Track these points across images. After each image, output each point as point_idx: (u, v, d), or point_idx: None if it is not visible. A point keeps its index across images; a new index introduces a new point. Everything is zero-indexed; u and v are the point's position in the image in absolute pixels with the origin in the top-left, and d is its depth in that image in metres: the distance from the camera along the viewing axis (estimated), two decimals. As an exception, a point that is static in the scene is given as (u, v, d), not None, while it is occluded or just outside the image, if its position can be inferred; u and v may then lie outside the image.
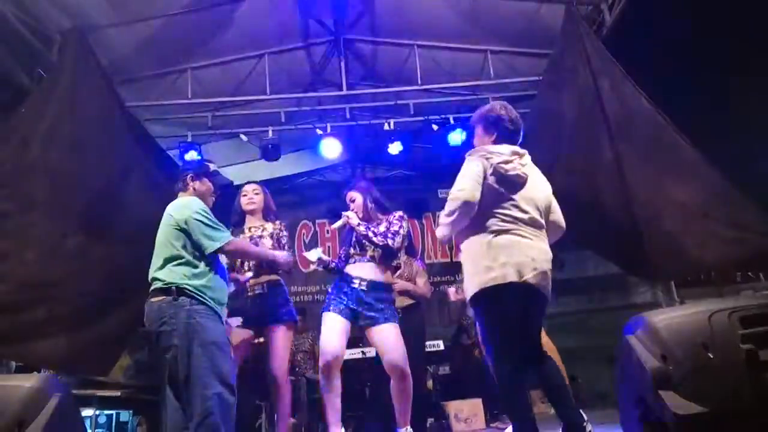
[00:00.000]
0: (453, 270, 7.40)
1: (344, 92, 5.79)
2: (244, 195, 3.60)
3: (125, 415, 5.11)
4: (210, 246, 2.73)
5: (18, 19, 4.22)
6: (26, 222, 3.75)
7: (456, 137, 5.75)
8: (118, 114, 4.60)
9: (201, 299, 2.65)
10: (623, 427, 2.16)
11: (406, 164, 7.32)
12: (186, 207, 2.81)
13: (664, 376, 1.69)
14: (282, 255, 3.25)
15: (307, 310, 6.60)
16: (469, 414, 5.05)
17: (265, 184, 3.68)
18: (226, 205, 3.62)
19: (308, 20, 5.46)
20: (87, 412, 4.81)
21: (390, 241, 3.22)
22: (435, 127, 5.85)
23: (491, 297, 2.47)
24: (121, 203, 4.25)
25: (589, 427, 2.73)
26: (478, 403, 5.12)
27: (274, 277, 3.45)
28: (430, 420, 5.09)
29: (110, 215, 4.17)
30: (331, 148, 5.81)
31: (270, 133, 5.67)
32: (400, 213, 3.38)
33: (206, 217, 2.78)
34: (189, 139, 5.62)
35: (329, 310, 3.25)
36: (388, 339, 3.18)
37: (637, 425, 1.89)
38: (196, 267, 2.73)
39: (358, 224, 3.29)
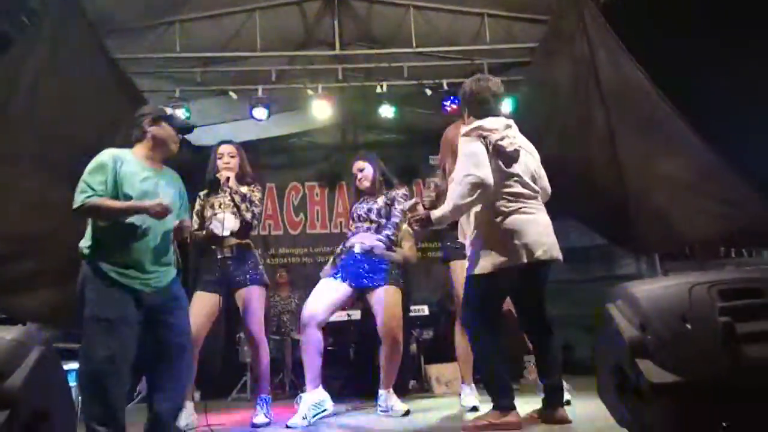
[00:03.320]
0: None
1: (337, 52, 5.67)
2: (220, 157, 3.52)
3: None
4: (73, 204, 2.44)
5: (-1, -37, 4.07)
6: (12, 175, 3.70)
7: (449, 103, 5.68)
8: (104, 66, 4.48)
9: (92, 264, 2.46)
10: (600, 394, 2.21)
11: (398, 129, 7.24)
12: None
13: (641, 345, 1.72)
14: (150, 203, 2.47)
15: (293, 272, 6.64)
16: (450, 377, 5.14)
17: (254, 144, 3.61)
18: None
19: (302, -25, 5.32)
20: (71, 366, 4.84)
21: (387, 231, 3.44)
22: (428, 92, 5.76)
23: (499, 277, 2.53)
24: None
25: (567, 395, 2.93)
26: (459, 367, 5.21)
27: (243, 240, 3.47)
28: (412, 382, 5.19)
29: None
30: (322, 110, 5.73)
31: (260, 91, 5.55)
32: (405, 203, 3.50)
33: (87, 172, 2.48)
34: (177, 95, 5.51)
35: (328, 276, 3.38)
36: (381, 302, 3.26)
37: (614, 393, 1.92)
38: (92, 228, 2.51)
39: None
